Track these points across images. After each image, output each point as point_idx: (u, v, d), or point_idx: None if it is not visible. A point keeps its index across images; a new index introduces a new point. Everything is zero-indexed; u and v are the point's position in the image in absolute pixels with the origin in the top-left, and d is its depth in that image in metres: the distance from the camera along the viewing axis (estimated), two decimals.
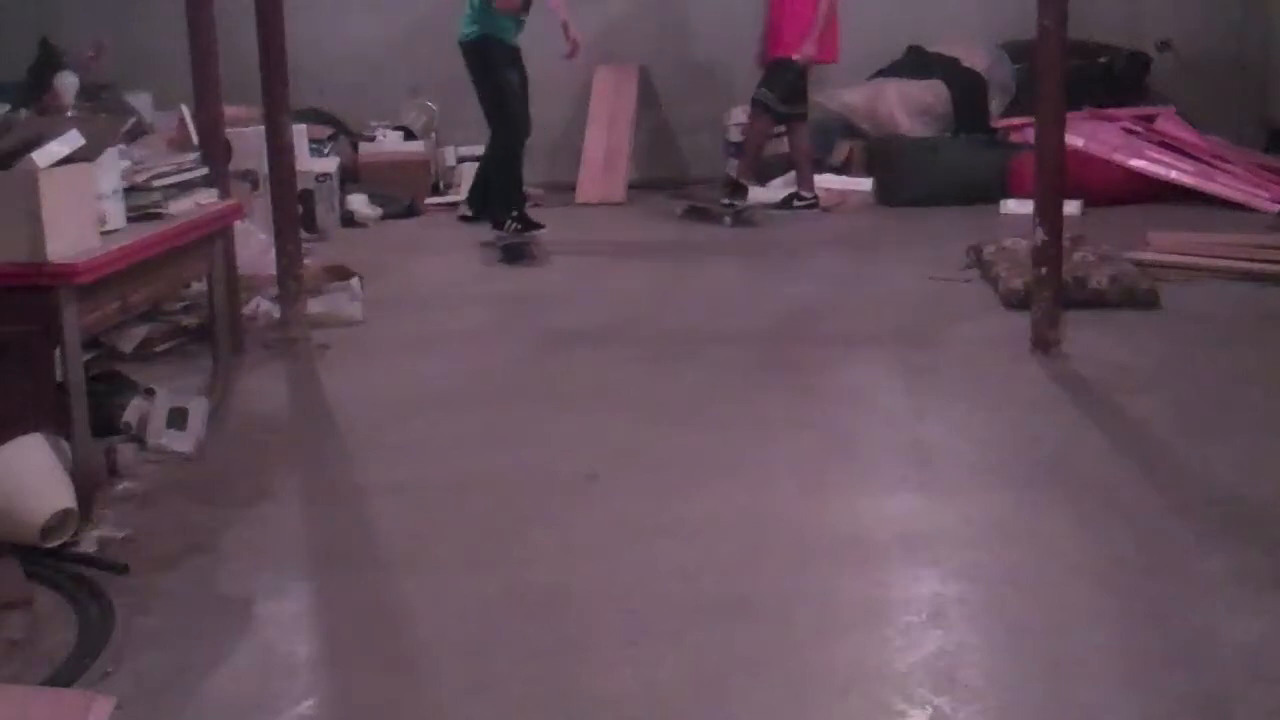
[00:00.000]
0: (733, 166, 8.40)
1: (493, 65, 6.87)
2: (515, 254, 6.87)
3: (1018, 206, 7.19)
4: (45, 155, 3.32)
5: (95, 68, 7.53)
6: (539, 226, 7.09)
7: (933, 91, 8.68)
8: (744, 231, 7.68)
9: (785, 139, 8.33)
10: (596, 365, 4.85)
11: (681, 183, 9.20)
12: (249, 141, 5.92)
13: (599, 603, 2.89)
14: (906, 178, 8.23)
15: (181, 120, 5.38)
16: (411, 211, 8.40)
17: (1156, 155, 7.82)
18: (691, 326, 5.40)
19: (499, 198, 7.18)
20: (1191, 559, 3.01)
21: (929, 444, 3.87)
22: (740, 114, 8.73)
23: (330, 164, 8.02)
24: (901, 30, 9.12)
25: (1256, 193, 7.49)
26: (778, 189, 8.47)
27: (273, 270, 5.18)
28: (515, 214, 7.03)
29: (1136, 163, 7.78)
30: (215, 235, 4.45)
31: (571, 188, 8.89)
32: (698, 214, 7.97)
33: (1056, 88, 4.54)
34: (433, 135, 9.03)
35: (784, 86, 7.93)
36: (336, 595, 3.01)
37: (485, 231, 7.25)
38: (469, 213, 7.69)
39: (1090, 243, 5.69)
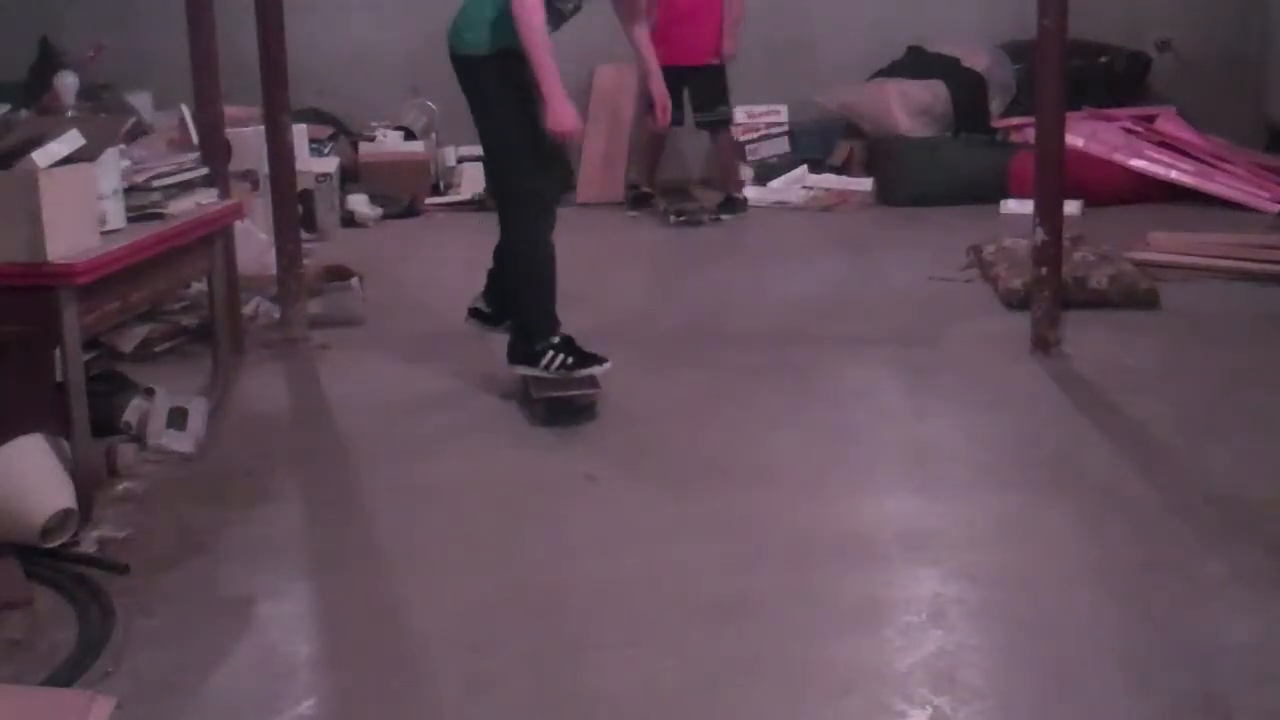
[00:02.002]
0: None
1: (509, 93, 4.11)
2: (566, 410, 4.14)
3: (1018, 206, 7.17)
4: (45, 155, 3.32)
5: (95, 68, 7.52)
6: (599, 361, 4.23)
7: (933, 91, 8.67)
8: (743, 232, 7.68)
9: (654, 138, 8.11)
10: None
11: (677, 185, 9.15)
12: (249, 141, 5.92)
13: (599, 603, 2.89)
14: (906, 178, 8.22)
15: (181, 120, 5.38)
16: (411, 211, 8.38)
17: (1156, 155, 7.80)
18: (691, 326, 5.40)
19: (530, 313, 4.25)
20: (1191, 559, 3.01)
21: (929, 444, 3.87)
22: (742, 113, 8.74)
23: (330, 164, 8.01)
24: (901, 30, 9.10)
25: (1256, 193, 7.47)
26: (779, 189, 8.48)
27: (273, 270, 5.19)
28: (557, 340, 4.22)
29: (1136, 163, 7.76)
30: (215, 235, 4.45)
31: (571, 187, 8.88)
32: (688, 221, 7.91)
33: (1056, 88, 4.54)
34: (433, 135, 9.02)
35: (724, 90, 7.96)
36: (336, 595, 3.01)
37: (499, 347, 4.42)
38: (485, 309, 4.52)
39: (1090, 243, 5.69)
